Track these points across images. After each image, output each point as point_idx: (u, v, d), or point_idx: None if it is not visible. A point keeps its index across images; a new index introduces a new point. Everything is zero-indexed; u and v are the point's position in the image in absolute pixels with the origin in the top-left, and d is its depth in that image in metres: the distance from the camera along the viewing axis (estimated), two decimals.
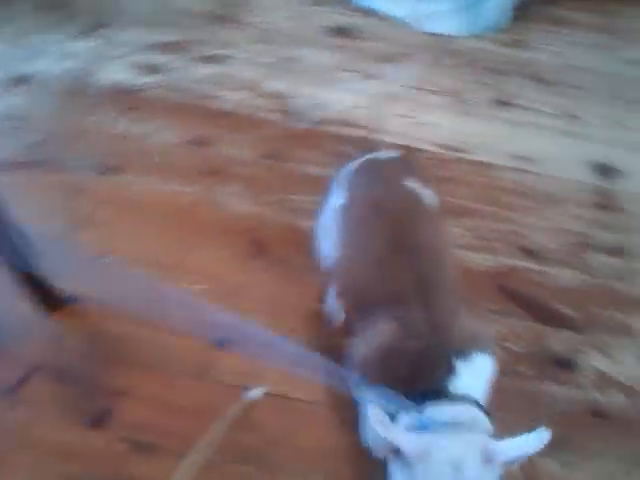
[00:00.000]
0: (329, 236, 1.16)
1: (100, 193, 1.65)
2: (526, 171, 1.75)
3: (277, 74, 1.97)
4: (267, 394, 1.29)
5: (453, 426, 0.89)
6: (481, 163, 1.76)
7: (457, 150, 1.78)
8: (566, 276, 1.53)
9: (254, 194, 1.65)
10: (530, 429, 1.24)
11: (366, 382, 0.95)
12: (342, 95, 1.92)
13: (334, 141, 1.79)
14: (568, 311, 1.46)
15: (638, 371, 1.37)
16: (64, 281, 1.42)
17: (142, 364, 1.32)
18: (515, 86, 1.98)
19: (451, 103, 1.92)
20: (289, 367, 1.19)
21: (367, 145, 1.78)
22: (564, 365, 1.38)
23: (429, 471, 0.82)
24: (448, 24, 2.13)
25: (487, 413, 0.96)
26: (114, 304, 1.33)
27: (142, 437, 1.24)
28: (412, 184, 1.16)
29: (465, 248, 1.56)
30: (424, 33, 2.12)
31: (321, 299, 1.33)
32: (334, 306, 1.20)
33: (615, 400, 1.33)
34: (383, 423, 0.83)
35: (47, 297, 1.40)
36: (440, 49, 2.07)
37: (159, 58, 2.01)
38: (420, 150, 1.78)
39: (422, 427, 0.88)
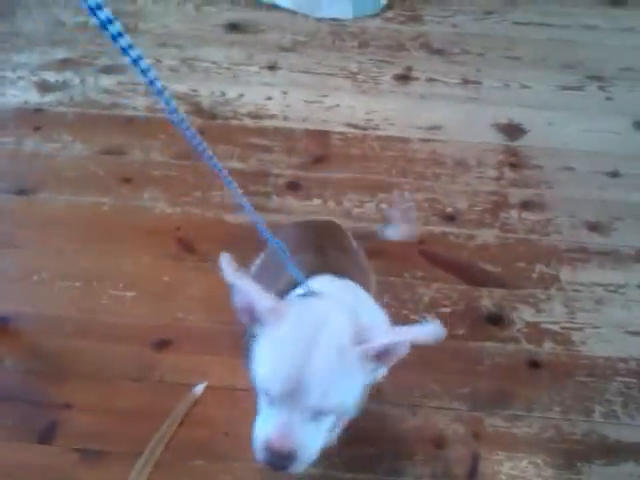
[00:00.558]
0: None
1: (18, 214, 1.61)
2: (435, 140, 1.82)
3: (181, 75, 1.98)
4: (212, 388, 1.30)
5: (327, 295, 0.84)
6: (391, 137, 1.81)
7: (366, 128, 1.84)
8: (486, 235, 1.60)
9: (173, 195, 1.65)
10: (472, 389, 1.32)
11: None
12: (249, 88, 1.94)
13: (247, 134, 1.81)
14: (492, 269, 1.53)
15: (566, 317, 1.44)
16: None
17: (83, 374, 1.32)
18: (413, 60, 2.05)
19: (354, 84, 1.97)
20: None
21: (280, 134, 1.81)
22: (496, 321, 1.44)
23: (282, 332, 0.75)
24: (336, 9, 2.18)
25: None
26: (47, 320, 1.32)
27: (91, 445, 1.24)
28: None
29: (383, 221, 1.61)
30: (316, 20, 2.16)
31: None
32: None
33: (548, 349, 1.39)
34: (235, 274, 0.75)
35: None
36: (335, 33, 2.12)
37: (58, 75, 1.97)
38: (331, 132, 1.82)
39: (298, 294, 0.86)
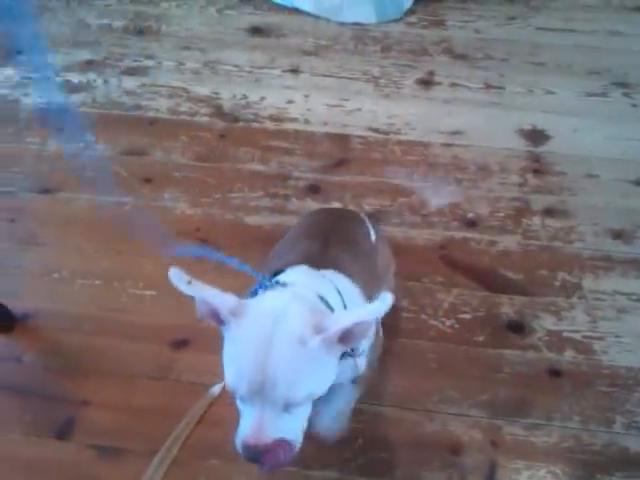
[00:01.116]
0: None
1: (41, 213, 1.64)
2: (458, 145, 1.80)
3: (203, 78, 1.99)
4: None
5: (292, 286, 0.83)
6: (412, 142, 1.81)
7: (387, 132, 1.83)
8: (508, 242, 1.58)
9: (194, 196, 1.66)
10: (491, 396, 1.30)
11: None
12: (271, 91, 1.95)
13: (268, 137, 1.81)
14: (514, 276, 1.51)
15: (588, 326, 1.42)
16: (16, 300, 1.42)
17: (101, 372, 1.33)
18: (435, 65, 2.04)
19: (376, 88, 1.97)
20: None
21: (301, 137, 1.82)
22: (516, 329, 1.42)
23: (242, 330, 0.75)
24: (359, 13, 2.18)
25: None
26: (67, 317, 1.33)
27: (108, 442, 1.25)
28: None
29: (405, 225, 1.60)
30: (338, 24, 2.16)
31: None
32: None
33: (569, 357, 1.37)
34: (183, 280, 0.76)
35: (0, 318, 1.39)
36: (357, 38, 2.12)
37: (83, 76, 2.00)
38: (352, 136, 1.82)
39: (260, 287, 0.84)
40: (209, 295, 0.77)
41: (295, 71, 2.02)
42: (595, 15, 2.21)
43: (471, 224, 1.61)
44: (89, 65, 2.03)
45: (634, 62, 2.04)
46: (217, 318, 0.78)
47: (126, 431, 1.26)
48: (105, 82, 1.97)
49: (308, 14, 2.19)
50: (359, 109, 1.90)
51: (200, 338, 1.37)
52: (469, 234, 1.59)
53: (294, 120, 1.86)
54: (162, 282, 1.47)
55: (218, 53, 2.07)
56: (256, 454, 0.75)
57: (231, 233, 1.57)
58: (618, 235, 1.59)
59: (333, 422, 1.14)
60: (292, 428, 0.77)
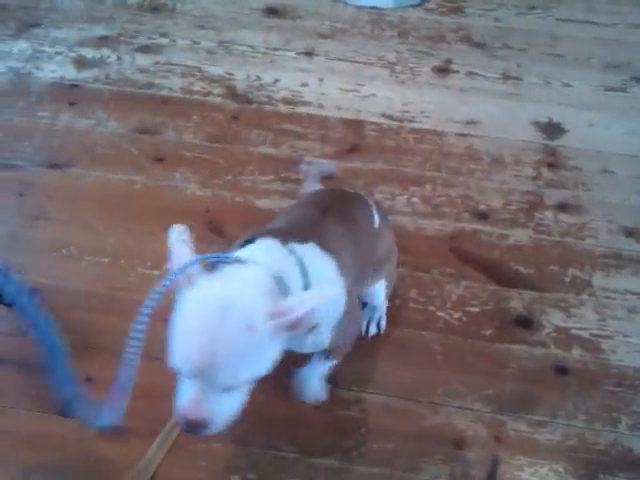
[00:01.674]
0: None
1: (51, 188, 1.63)
2: (472, 135, 1.78)
3: (217, 58, 1.97)
4: None
5: (249, 264, 0.82)
6: (426, 130, 1.78)
7: (402, 120, 1.81)
8: (519, 236, 1.56)
9: (204, 177, 1.64)
10: (496, 391, 1.29)
11: None
12: (285, 74, 1.92)
13: (281, 120, 1.80)
14: (524, 270, 1.49)
15: (597, 325, 1.41)
16: (23, 275, 1.41)
17: (106, 350, 1.31)
18: (453, 53, 2.01)
19: (392, 74, 1.94)
20: None
21: (314, 122, 1.80)
22: (524, 324, 1.40)
23: (192, 307, 0.76)
24: None
25: None
26: (73, 294, 1.32)
27: None
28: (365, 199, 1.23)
29: (416, 215, 1.59)
30: (355, 7, 2.13)
31: None
32: None
33: (576, 355, 1.36)
34: (176, 242, 0.79)
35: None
36: (374, 22, 2.09)
37: (95, 52, 1.98)
38: (366, 122, 1.80)
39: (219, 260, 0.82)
40: (181, 255, 0.78)
41: (310, 54, 2.00)
42: (617, 7, 2.17)
43: (483, 216, 1.59)
44: (103, 41, 2.01)
45: None
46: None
47: (129, 410, 1.24)
48: (119, 59, 1.95)
49: None
50: (374, 95, 1.88)
51: None
52: (480, 226, 1.57)
53: (308, 104, 1.84)
54: None
55: (233, 33, 2.05)
56: (192, 426, 0.77)
57: (241, 215, 1.56)
58: (631, 233, 1.57)
59: (310, 388, 1.18)
60: (230, 406, 0.79)
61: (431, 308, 1.42)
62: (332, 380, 1.30)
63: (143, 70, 1.92)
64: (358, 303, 1.09)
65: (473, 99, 1.88)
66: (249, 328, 0.73)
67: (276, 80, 1.91)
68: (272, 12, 2.12)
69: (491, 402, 1.29)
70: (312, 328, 0.86)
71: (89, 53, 1.97)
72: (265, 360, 0.78)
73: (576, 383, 1.32)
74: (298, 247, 0.90)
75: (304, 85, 1.90)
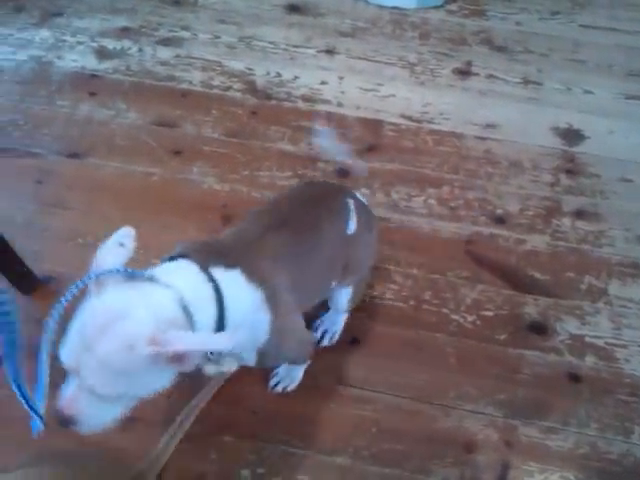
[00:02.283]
0: None
1: (69, 177, 1.63)
2: (491, 139, 1.77)
3: (238, 53, 1.97)
4: (246, 367, 1.29)
5: (161, 283, 0.80)
6: (445, 132, 1.78)
7: (420, 121, 1.80)
8: (536, 241, 1.55)
9: (222, 172, 1.65)
10: (508, 396, 1.29)
11: None
12: (305, 71, 1.92)
13: (299, 117, 1.79)
14: (540, 276, 1.48)
15: (612, 333, 1.40)
16: (39, 263, 1.42)
17: None
18: (474, 55, 2.00)
19: (412, 75, 1.94)
20: None
21: (333, 120, 1.79)
22: (538, 330, 1.40)
23: (90, 307, 0.77)
24: None
25: None
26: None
27: None
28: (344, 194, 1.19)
29: (432, 217, 1.58)
30: (377, 7, 2.13)
31: None
32: None
33: (590, 363, 1.35)
34: (122, 240, 0.82)
35: (23, 279, 1.39)
36: (396, 22, 2.09)
37: (117, 43, 1.98)
38: (384, 122, 1.79)
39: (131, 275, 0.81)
40: (100, 261, 0.79)
41: (330, 52, 1.99)
42: None
43: (500, 220, 1.58)
44: (125, 32, 2.02)
45: None
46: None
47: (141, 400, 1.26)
48: (140, 50, 1.96)
49: None
50: (393, 95, 1.87)
51: None
52: (497, 230, 1.56)
53: (327, 102, 1.84)
54: None
55: (254, 29, 2.05)
56: (63, 420, 0.78)
57: None
58: None
59: (283, 378, 1.27)
60: (105, 414, 0.80)
61: (445, 311, 1.41)
62: (344, 379, 1.30)
63: (164, 63, 1.92)
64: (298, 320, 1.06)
65: (493, 102, 1.87)
66: (128, 347, 0.73)
67: (296, 77, 1.91)
68: (293, 9, 2.12)
69: (503, 407, 1.28)
70: (215, 359, 0.87)
71: (110, 44, 1.98)
72: (146, 383, 0.78)
73: (589, 391, 1.31)
74: (220, 273, 0.87)
75: (324, 83, 1.89)
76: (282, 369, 1.28)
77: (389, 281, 1.45)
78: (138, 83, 1.86)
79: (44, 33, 2.02)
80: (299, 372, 1.27)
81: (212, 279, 0.85)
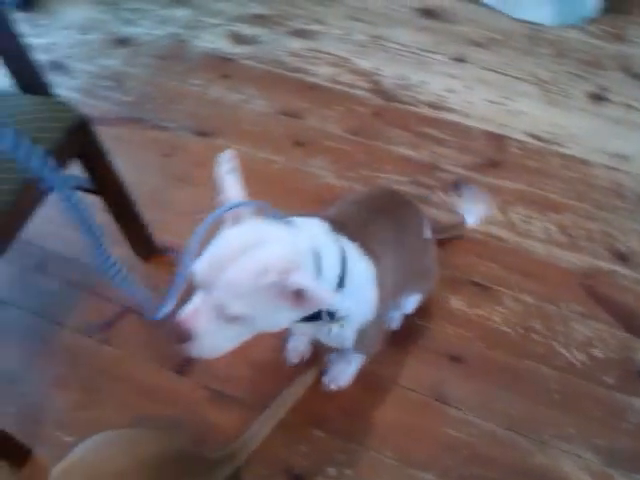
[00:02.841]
0: None
1: (195, 154, 1.69)
2: (621, 170, 1.69)
3: (368, 52, 1.96)
4: None
5: (297, 230, 0.83)
6: (573, 157, 1.71)
7: (548, 142, 1.74)
8: None
9: (340, 168, 1.65)
10: (610, 442, 1.23)
11: None
12: (432, 77, 1.90)
13: (423, 123, 1.77)
14: None
15: None
16: (159, 232, 1.48)
17: None
18: (610, 80, 1.91)
19: (543, 93, 1.87)
20: None
21: (457, 130, 1.76)
22: None
23: (230, 233, 0.80)
24: (539, 12, 2.07)
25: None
26: None
27: (223, 388, 1.29)
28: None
29: (550, 243, 1.53)
30: (514, 20, 2.07)
31: None
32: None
33: None
34: (227, 165, 0.84)
35: (143, 245, 1.45)
36: (531, 37, 2.02)
37: (252, 29, 2.03)
38: (510, 138, 1.74)
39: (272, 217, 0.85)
40: (231, 192, 0.82)
41: (461, 60, 1.96)
42: None
43: (622, 257, 1.50)
44: (259, 19, 2.06)
45: None
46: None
47: (241, 381, 1.29)
48: (273, 39, 1.99)
49: (484, 4, 2.11)
50: (521, 111, 1.82)
51: None
52: (618, 267, 1.49)
53: (452, 110, 1.81)
54: None
55: (386, 29, 2.04)
56: (179, 332, 0.78)
57: None
58: None
59: (337, 376, 1.27)
60: (222, 337, 0.80)
61: (554, 344, 1.36)
62: (442, 396, 1.28)
63: (294, 54, 1.95)
64: (387, 311, 1.09)
65: (627, 133, 1.78)
66: (260, 272, 0.75)
67: (423, 82, 1.88)
68: (428, 13, 2.09)
69: (602, 453, 1.23)
70: (337, 319, 0.90)
71: (246, 29, 2.02)
72: (266, 315, 0.79)
73: None
74: (344, 241, 0.91)
75: (451, 91, 1.86)
76: (336, 366, 1.28)
77: (498, 303, 1.41)
78: (269, 71, 1.90)
79: (184, 12, 2.09)
80: (353, 368, 1.27)
81: (340, 241, 0.89)
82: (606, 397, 1.30)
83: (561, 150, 1.72)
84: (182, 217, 1.54)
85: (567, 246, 1.52)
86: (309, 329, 1.02)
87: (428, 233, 1.20)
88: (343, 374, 1.27)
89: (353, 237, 0.93)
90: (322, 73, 1.89)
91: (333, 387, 1.27)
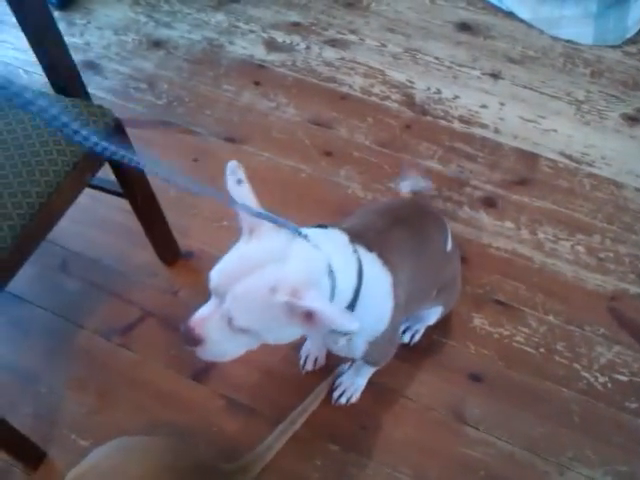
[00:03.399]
0: None
1: (223, 160, 1.66)
2: None
3: (401, 64, 1.96)
4: (370, 382, 1.29)
5: (313, 243, 0.82)
6: (604, 178, 1.68)
7: (580, 162, 1.72)
8: None
9: (368, 179, 1.65)
10: (631, 469, 1.20)
11: None
12: (466, 92, 1.88)
13: (453, 137, 1.76)
14: None
15: None
16: (183, 238, 1.49)
17: None
18: None
19: (577, 112, 1.85)
20: None
21: (487, 146, 1.75)
22: None
23: (248, 246, 0.80)
24: (576, 31, 2.05)
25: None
26: None
27: (240, 397, 1.29)
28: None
29: (577, 264, 1.50)
30: (551, 37, 2.04)
31: None
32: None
33: None
34: (235, 176, 0.86)
35: (167, 249, 1.46)
36: (568, 55, 2.00)
37: (286, 37, 2.04)
38: (541, 157, 1.72)
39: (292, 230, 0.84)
40: (244, 205, 0.82)
41: (495, 76, 1.94)
42: None
43: None
44: (295, 27, 2.07)
45: None
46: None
47: (257, 391, 1.29)
48: (307, 48, 2.00)
49: (522, 21, 2.09)
50: (555, 130, 1.80)
51: None
52: None
53: (484, 126, 1.80)
54: None
55: (421, 42, 2.04)
56: (188, 335, 0.80)
57: None
58: None
59: (345, 389, 1.26)
60: (230, 344, 0.81)
61: (576, 366, 1.34)
62: (460, 414, 1.27)
63: (328, 63, 1.95)
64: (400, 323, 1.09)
65: None
66: (271, 289, 0.75)
67: (456, 96, 1.87)
68: (464, 27, 2.09)
69: (622, 479, 1.20)
70: (345, 334, 0.90)
71: (280, 37, 2.04)
72: (275, 330, 0.80)
73: None
74: (362, 252, 0.90)
75: (483, 107, 1.85)
76: (345, 379, 1.27)
77: (522, 323, 1.40)
78: (301, 80, 1.90)
79: (220, 17, 2.11)
80: (363, 381, 1.26)
81: (357, 253, 0.89)
82: (628, 422, 1.27)
83: (593, 171, 1.70)
84: (206, 222, 1.55)
85: (594, 268, 1.50)
86: (317, 336, 1.02)
87: (451, 246, 1.19)
88: (352, 388, 1.27)
89: (371, 246, 0.93)
90: (354, 84, 1.90)
91: (342, 401, 1.26)
